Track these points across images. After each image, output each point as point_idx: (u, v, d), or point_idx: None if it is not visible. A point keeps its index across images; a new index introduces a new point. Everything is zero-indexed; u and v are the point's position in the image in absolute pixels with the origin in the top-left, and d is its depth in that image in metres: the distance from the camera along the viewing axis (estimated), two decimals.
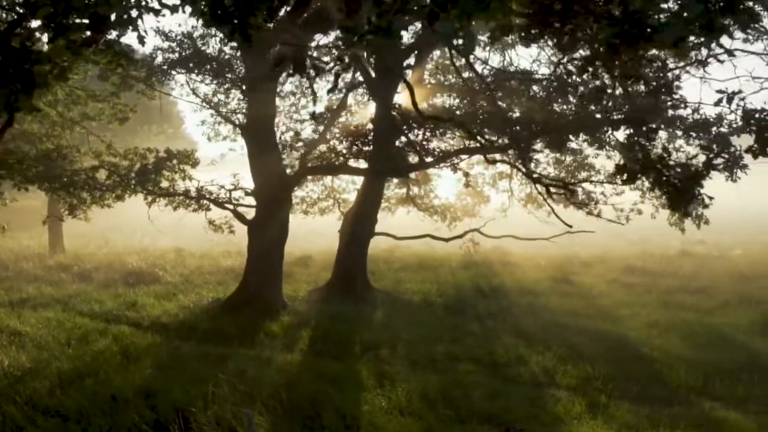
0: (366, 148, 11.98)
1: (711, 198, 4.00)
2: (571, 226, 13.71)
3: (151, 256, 20.90)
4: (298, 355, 10.11)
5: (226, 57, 13.75)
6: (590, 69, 3.47)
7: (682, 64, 8.82)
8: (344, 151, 12.42)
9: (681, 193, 3.67)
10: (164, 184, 14.59)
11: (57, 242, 21.93)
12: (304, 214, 21.52)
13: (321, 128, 12.78)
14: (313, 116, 12.27)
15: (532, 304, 14.48)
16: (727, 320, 12.44)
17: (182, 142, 42.25)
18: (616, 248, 25.54)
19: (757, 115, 5.24)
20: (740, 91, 5.06)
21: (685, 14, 2.53)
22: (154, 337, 10.93)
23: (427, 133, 11.73)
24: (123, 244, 26.49)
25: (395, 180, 20.22)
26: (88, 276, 17.37)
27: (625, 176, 4.04)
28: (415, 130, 12.05)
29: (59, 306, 13.33)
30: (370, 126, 12.45)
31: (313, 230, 27.01)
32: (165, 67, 14.42)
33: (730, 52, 6.71)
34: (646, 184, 16.58)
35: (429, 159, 11.71)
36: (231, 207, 13.50)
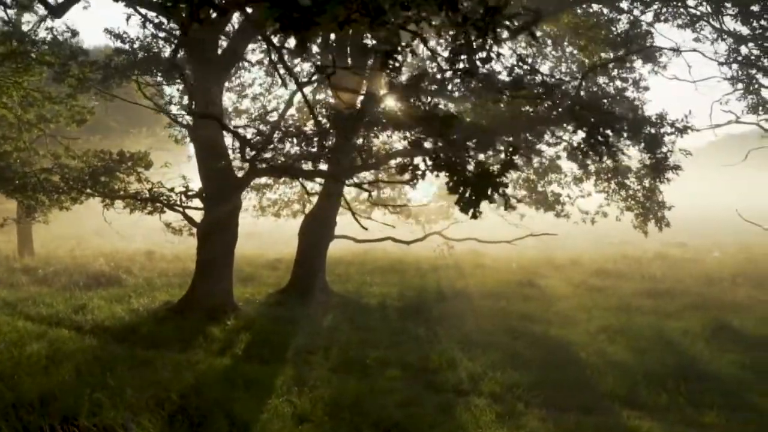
0: (312, 150, 11.82)
1: (519, 200, 3.75)
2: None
3: (121, 258, 20.85)
4: (228, 359, 9.95)
5: (176, 59, 13.64)
6: (391, 63, 3.28)
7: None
8: (291, 153, 12.27)
9: (476, 193, 3.47)
10: (120, 186, 14.55)
11: (25, 244, 21.91)
12: (276, 217, 21.48)
13: (267, 128, 12.62)
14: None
15: (489, 308, 14.24)
16: (680, 324, 12.17)
17: (173, 144, 42.14)
18: (594, 251, 25.23)
19: (591, 114, 4.95)
20: (562, 86, 4.81)
21: None
22: (90, 341, 10.82)
23: (371, 135, 11.57)
24: (99, 246, 26.46)
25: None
26: (50, 279, 17.31)
27: (409, 175, 3.82)
28: (361, 132, 11.90)
29: (8, 309, 13.22)
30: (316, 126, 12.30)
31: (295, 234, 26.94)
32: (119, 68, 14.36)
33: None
34: (613, 185, 16.57)
35: (372, 161, 11.54)
36: (180, 209, 13.37)
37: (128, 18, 12.37)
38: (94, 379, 8.12)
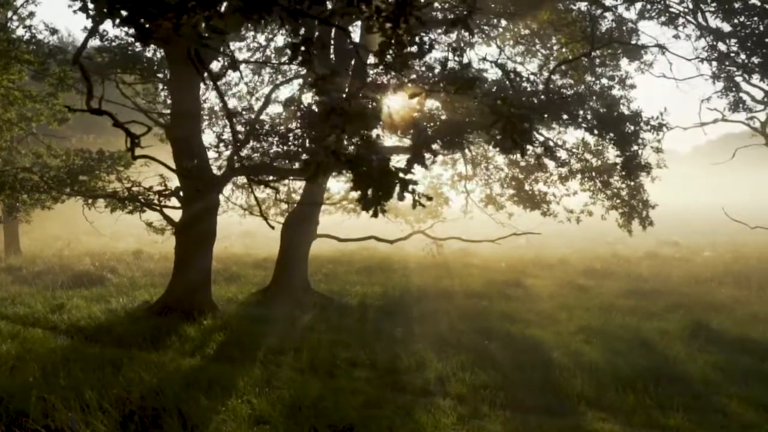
0: (286, 147, 11.73)
1: (429, 198, 3.61)
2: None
3: (108, 257, 20.80)
4: (197, 360, 9.87)
5: (154, 58, 13.60)
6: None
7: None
8: (268, 150, 12.18)
9: (381, 191, 3.35)
10: (99, 184, 14.49)
11: (11, 244, 21.87)
12: (263, 218, 21.33)
13: (243, 126, 12.53)
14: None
15: (470, 308, 14.13)
16: (659, 325, 12.04)
17: (166, 143, 42.09)
18: (586, 250, 25.05)
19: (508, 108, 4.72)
20: (477, 79, 4.68)
21: None
22: (62, 341, 10.76)
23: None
24: (88, 246, 26.42)
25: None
26: (33, 278, 17.26)
27: (314, 171, 3.69)
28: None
29: None
30: (293, 124, 12.23)
31: None
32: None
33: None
34: (598, 184, 16.41)
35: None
36: (158, 208, 13.29)
37: None
38: (53, 379, 8.06)
